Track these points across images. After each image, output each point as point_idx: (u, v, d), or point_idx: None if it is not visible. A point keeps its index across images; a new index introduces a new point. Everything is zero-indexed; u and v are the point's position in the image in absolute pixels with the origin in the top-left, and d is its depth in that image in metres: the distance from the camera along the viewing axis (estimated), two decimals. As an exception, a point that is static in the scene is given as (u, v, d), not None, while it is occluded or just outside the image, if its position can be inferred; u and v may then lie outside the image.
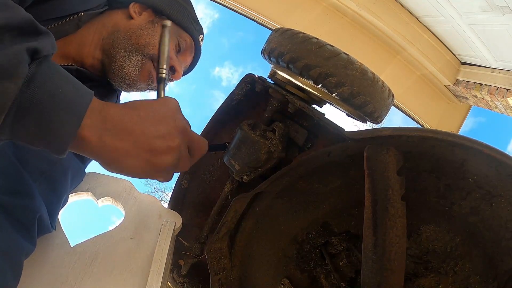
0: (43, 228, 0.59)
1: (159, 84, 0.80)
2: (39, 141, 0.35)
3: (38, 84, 0.33)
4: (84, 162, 0.77)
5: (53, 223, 0.62)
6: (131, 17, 0.82)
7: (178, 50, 0.88)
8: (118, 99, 0.91)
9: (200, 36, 0.92)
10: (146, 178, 0.45)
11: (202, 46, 0.97)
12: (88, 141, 0.38)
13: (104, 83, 0.84)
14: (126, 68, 0.78)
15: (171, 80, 0.90)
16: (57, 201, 0.62)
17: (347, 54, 0.66)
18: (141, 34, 0.79)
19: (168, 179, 0.48)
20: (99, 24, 0.80)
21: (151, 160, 0.42)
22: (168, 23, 0.81)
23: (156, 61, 0.81)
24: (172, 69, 0.86)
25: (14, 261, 0.47)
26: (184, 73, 0.98)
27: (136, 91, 0.88)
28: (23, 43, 0.32)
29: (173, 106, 0.47)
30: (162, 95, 0.80)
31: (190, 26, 0.88)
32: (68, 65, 0.74)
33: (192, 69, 1.02)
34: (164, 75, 0.77)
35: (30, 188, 0.53)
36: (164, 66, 0.78)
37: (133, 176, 0.44)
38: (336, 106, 0.76)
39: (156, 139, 0.42)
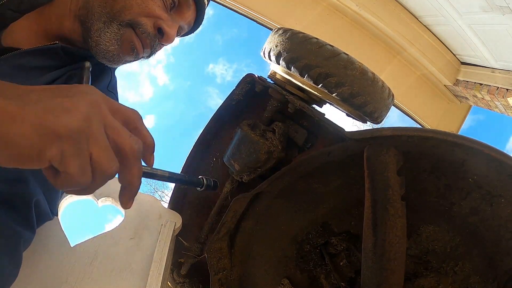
0: (42, 214, 0.56)
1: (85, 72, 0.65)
2: None
3: None
4: None
5: (53, 209, 0.59)
6: None
7: (172, 6, 0.72)
8: (112, 76, 0.80)
9: None
10: (33, 161, 0.30)
11: (208, 4, 0.80)
12: None
13: (95, 61, 0.73)
14: (103, 43, 0.67)
15: (162, 45, 0.76)
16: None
17: (347, 54, 0.66)
18: None
19: (74, 167, 0.31)
20: None
21: (42, 122, 0.29)
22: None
23: (137, 26, 0.66)
24: (160, 32, 0.70)
25: (10, 248, 0.46)
26: (187, 33, 0.82)
27: (123, 64, 0.76)
28: None
29: (92, 90, 0.35)
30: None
31: None
32: (52, 44, 0.66)
33: (198, 27, 0.82)
34: (87, 65, 0.64)
35: (23, 174, 0.50)
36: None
37: (12, 155, 0.29)
38: (336, 106, 0.76)
39: (54, 100, 0.31)
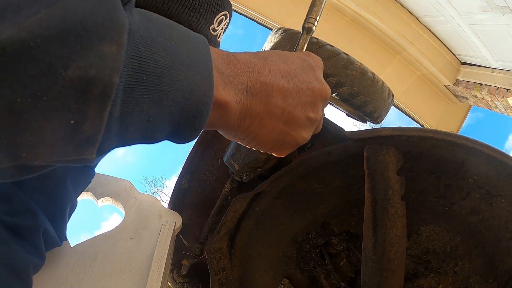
0: (51, 242, 0.59)
1: (304, 36, 0.61)
2: (163, 125, 0.25)
3: (143, 41, 0.22)
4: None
5: (61, 235, 0.62)
6: None
7: None
8: None
9: (220, 15, 0.74)
10: (272, 150, 0.36)
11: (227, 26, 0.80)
12: (227, 106, 0.28)
13: None
14: None
15: None
16: (60, 212, 0.61)
17: (347, 54, 0.66)
18: None
19: (290, 151, 0.39)
20: None
21: (289, 130, 0.34)
22: None
23: None
24: None
25: (22, 275, 0.48)
26: None
27: None
28: None
29: (319, 66, 0.37)
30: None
31: None
32: None
33: None
34: (313, 26, 0.59)
35: (29, 206, 0.53)
36: (317, 18, 0.58)
37: (262, 146, 0.35)
38: (336, 106, 0.76)
39: (298, 108, 0.34)
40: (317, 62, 0.37)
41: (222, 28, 0.64)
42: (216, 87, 0.27)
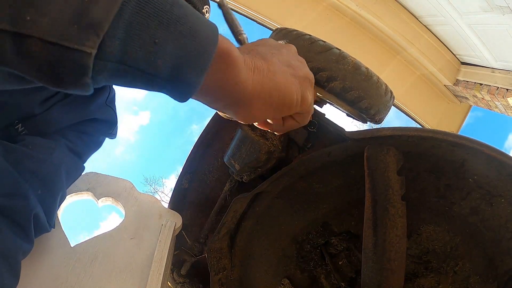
0: (40, 227, 0.58)
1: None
2: (167, 53, 0.25)
3: None
4: (81, 156, 0.75)
5: (51, 221, 0.62)
6: None
7: None
8: (111, 90, 0.81)
9: (205, 7, 0.77)
10: (296, 103, 0.37)
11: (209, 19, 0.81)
12: (232, 56, 0.29)
13: None
14: None
15: None
16: (52, 199, 0.61)
17: (339, 49, 0.66)
18: None
19: (312, 106, 0.41)
20: None
21: (294, 72, 0.37)
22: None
23: None
24: None
25: (11, 260, 0.47)
26: None
27: None
28: None
29: (294, 48, 0.43)
30: None
31: None
32: None
33: None
34: (244, 35, 0.63)
35: (22, 188, 0.53)
36: (242, 28, 0.63)
37: (284, 101, 0.36)
38: (336, 106, 0.76)
39: (298, 63, 0.39)
40: (291, 46, 0.43)
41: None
42: (220, 40, 0.28)
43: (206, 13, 0.78)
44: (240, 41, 0.59)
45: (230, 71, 0.30)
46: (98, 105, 0.75)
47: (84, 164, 0.77)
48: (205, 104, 0.34)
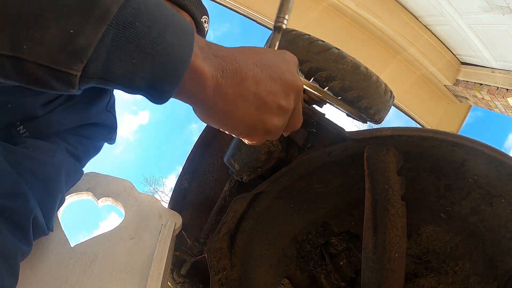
0: (39, 230, 0.58)
1: (275, 34, 0.63)
2: (144, 71, 0.28)
3: None
4: (81, 160, 0.75)
5: (49, 224, 0.61)
6: None
7: None
8: (111, 96, 0.82)
9: (204, 17, 0.78)
10: (243, 135, 0.38)
11: (207, 30, 0.80)
12: (203, 75, 0.31)
13: None
14: None
15: None
16: (51, 202, 0.61)
17: (338, 49, 0.66)
18: None
19: (262, 140, 0.41)
20: None
21: (260, 115, 0.36)
22: None
23: None
24: None
25: (10, 262, 0.47)
26: None
27: None
28: None
29: (292, 62, 0.41)
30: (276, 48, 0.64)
31: (189, 4, 0.75)
32: None
33: None
34: (283, 25, 0.61)
35: (22, 190, 0.52)
36: (286, 16, 0.60)
37: (234, 128, 0.37)
38: (335, 105, 0.76)
39: (270, 95, 0.36)
40: (291, 58, 0.41)
41: (205, 28, 0.76)
42: (195, 56, 0.31)
43: (205, 23, 0.80)
44: (275, 28, 0.58)
45: (198, 89, 0.32)
46: (98, 109, 0.76)
47: (83, 169, 0.78)
48: None
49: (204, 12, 0.79)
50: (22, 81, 0.26)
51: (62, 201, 0.68)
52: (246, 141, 0.42)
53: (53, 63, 0.25)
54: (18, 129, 0.63)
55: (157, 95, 0.31)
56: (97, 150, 0.80)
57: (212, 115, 0.35)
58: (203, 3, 0.79)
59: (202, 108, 0.35)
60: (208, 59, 0.32)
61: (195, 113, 0.38)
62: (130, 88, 0.29)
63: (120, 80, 0.28)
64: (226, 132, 0.43)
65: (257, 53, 0.37)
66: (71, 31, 0.24)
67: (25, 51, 0.24)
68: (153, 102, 0.32)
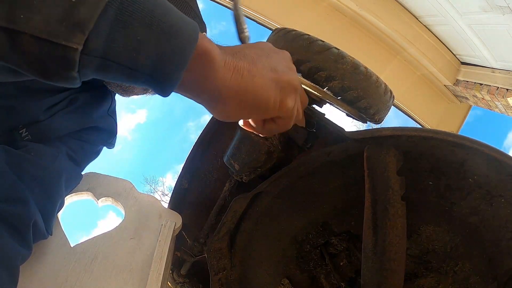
0: (38, 234, 0.58)
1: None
2: (149, 49, 0.26)
3: None
4: (80, 164, 0.75)
5: (49, 228, 0.62)
6: None
7: None
8: (112, 100, 0.83)
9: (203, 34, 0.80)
10: (273, 107, 0.37)
11: None
12: (211, 55, 0.30)
13: (96, 85, 0.77)
14: None
15: None
16: (51, 206, 0.61)
17: (338, 49, 0.66)
18: None
19: (294, 112, 0.40)
20: None
21: (276, 77, 0.36)
22: None
23: None
24: None
25: (10, 266, 0.47)
26: None
27: (132, 96, 0.81)
28: None
29: (288, 58, 0.42)
30: None
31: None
32: None
33: None
34: (247, 33, 0.62)
35: (23, 194, 0.52)
36: (245, 26, 0.62)
37: (260, 104, 0.36)
38: (335, 105, 0.76)
39: (277, 63, 0.37)
40: (286, 54, 0.42)
41: None
42: (201, 39, 0.30)
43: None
44: (241, 39, 0.59)
45: (207, 70, 0.31)
46: (100, 114, 0.77)
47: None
48: (189, 98, 0.35)
49: (204, 29, 0.80)
50: (17, 61, 0.24)
51: (61, 205, 0.68)
52: (259, 128, 0.42)
53: (51, 35, 0.22)
54: (20, 132, 0.63)
55: (163, 80, 0.28)
56: (96, 154, 0.80)
57: (233, 92, 0.34)
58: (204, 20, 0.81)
59: (213, 94, 0.33)
60: (214, 45, 0.31)
61: (209, 108, 0.36)
62: (134, 71, 0.27)
63: (124, 59, 0.26)
64: (240, 123, 0.44)
65: (260, 47, 0.39)
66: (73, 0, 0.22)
67: (21, 21, 0.21)
68: (158, 92, 0.30)
